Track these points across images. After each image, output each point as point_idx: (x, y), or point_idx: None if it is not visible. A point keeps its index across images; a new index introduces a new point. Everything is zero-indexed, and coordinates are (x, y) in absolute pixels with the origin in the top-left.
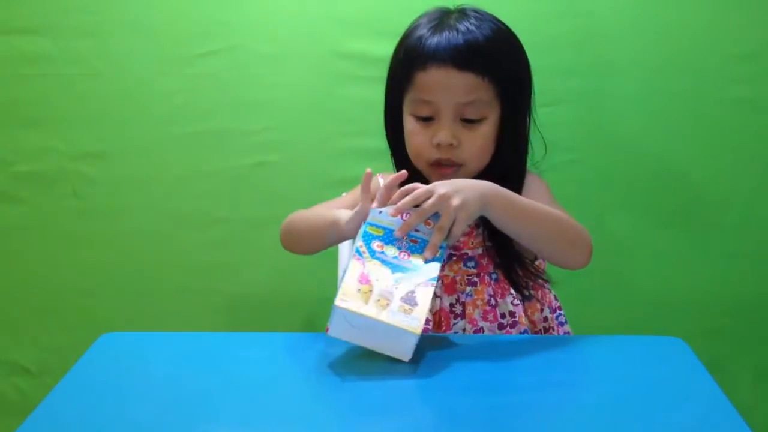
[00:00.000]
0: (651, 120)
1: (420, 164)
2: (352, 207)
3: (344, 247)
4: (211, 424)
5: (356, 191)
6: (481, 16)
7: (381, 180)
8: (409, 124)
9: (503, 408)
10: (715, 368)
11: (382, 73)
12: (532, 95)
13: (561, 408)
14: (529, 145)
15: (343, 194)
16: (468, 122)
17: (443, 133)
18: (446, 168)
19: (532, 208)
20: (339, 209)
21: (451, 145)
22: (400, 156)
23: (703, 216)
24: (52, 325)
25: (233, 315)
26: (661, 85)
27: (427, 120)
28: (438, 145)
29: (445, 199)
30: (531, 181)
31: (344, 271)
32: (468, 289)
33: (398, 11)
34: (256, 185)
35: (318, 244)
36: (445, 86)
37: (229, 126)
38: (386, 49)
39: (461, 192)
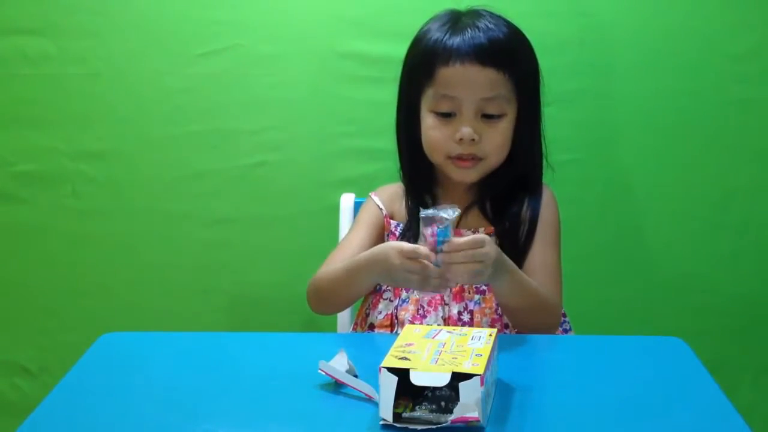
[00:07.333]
0: (651, 120)
1: (437, 158)
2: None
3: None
4: (211, 424)
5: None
6: (494, 15)
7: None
8: (429, 120)
9: (503, 408)
10: (715, 368)
11: (382, 73)
12: (541, 96)
13: (561, 408)
14: (543, 148)
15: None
16: (489, 118)
17: (467, 128)
18: (466, 161)
19: (528, 289)
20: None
21: (473, 140)
22: (410, 154)
23: (703, 216)
24: (52, 325)
25: (233, 315)
26: (662, 84)
27: (446, 116)
28: (460, 140)
29: (484, 260)
30: (545, 201)
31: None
32: (476, 297)
33: (398, 11)
34: (256, 185)
35: (358, 285)
36: (468, 82)
37: (229, 126)
38: (386, 49)
39: (496, 270)
